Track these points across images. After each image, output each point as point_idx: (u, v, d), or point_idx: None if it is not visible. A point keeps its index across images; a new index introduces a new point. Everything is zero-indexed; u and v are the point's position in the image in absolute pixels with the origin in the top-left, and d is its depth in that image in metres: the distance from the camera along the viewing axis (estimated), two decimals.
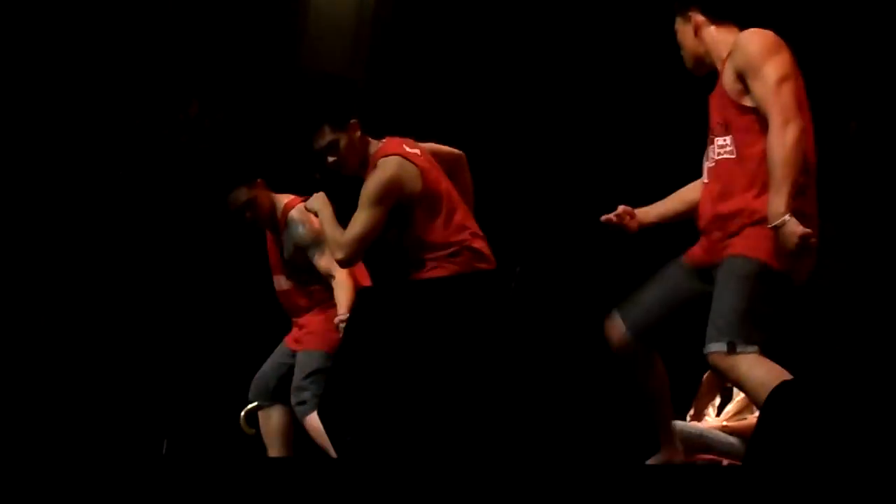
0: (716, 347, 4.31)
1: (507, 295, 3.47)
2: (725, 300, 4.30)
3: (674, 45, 4.70)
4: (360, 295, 5.25)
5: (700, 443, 6.85)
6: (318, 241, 6.16)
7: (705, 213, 4.51)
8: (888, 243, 8.53)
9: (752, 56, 4.34)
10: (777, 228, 4.14)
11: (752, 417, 6.95)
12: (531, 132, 8.99)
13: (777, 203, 4.16)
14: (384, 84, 9.12)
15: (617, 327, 4.51)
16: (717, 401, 7.16)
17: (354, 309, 4.51)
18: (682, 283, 4.55)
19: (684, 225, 4.80)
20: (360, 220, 5.16)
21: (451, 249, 4.89)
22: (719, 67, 4.52)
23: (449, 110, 8.81)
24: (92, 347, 8.55)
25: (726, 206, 4.39)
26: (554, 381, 3.39)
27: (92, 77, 8.72)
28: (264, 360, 6.56)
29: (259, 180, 6.46)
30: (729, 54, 4.45)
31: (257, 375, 6.48)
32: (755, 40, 4.38)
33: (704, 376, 7.29)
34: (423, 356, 3.62)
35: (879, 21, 9.23)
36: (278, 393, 6.34)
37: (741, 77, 4.38)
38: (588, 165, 8.67)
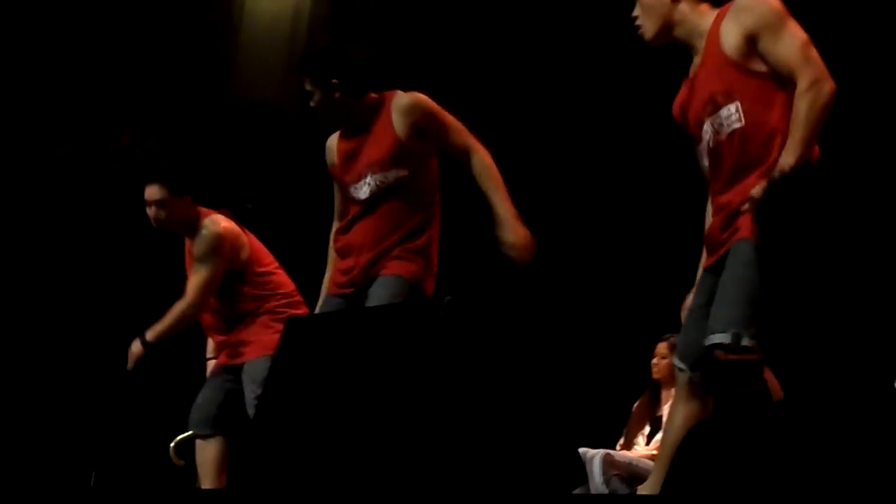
0: (719, 339, 3.96)
1: (435, 325, 3.47)
2: (730, 288, 3.97)
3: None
4: (290, 324, 5.25)
5: (629, 471, 6.88)
6: (204, 259, 6.11)
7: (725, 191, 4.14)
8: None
9: (771, 15, 4.08)
10: None
11: None
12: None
13: (788, 162, 3.88)
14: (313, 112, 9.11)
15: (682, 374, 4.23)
16: (647, 430, 7.20)
17: (284, 338, 4.50)
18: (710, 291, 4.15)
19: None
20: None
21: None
22: (697, 42, 4.24)
23: None
24: (17, 377, 8.46)
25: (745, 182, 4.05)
26: (482, 410, 3.39)
27: (22, 107, 8.65)
28: (193, 387, 6.47)
29: (187, 196, 6.26)
30: (724, 19, 4.16)
31: (196, 405, 6.33)
32: (769, 1, 4.11)
33: (635, 405, 7.34)
34: (350, 386, 3.61)
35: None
36: (219, 422, 6.26)
37: (751, 39, 4.09)
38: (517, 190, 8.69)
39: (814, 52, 4.05)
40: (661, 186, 8.16)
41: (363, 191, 5.14)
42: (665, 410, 7.14)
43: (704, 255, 4.29)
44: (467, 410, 3.48)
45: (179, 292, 6.20)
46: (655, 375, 7.21)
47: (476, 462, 3.44)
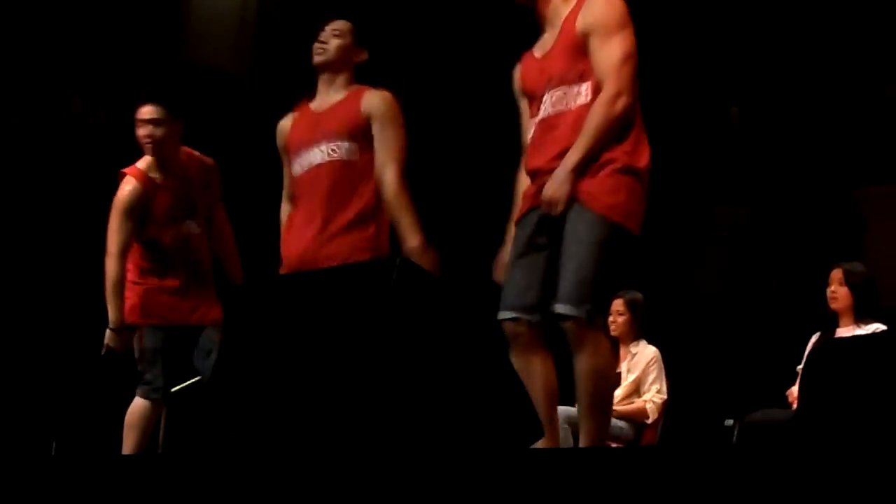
0: (577, 312, 4.18)
1: (387, 286, 3.49)
2: (582, 261, 4.20)
3: None
4: (240, 289, 5.24)
5: None
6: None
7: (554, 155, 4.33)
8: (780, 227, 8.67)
9: (607, 20, 4.29)
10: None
11: (640, 401, 7.05)
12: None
13: (570, 160, 4.19)
14: (268, 79, 9.09)
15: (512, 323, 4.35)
16: None
17: (233, 303, 4.51)
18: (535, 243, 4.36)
19: None
20: None
21: None
22: (557, 15, 4.44)
23: None
24: None
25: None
26: (434, 372, 3.42)
27: None
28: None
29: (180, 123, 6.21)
30: (577, 7, 4.37)
31: (202, 350, 6.18)
32: (612, 4, 4.32)
33: None
34: (304, 350, 3.62)
35: (761, 9, 9.37)
36: None
37: (585, 35, 4.31)
38: (466, 160, 8.71)
39: (628, 68, 4.26)
40: None
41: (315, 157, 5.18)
42: (623, 367, 7.19)
43: (517, 212, 4.46)
44: (422, 370, 3.51)
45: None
46: (613, 332, 7.24)
47: (432, 420, 3.47)
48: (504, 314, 4.37)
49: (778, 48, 9.30)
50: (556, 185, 4.24)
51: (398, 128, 5.10)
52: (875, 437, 1.89)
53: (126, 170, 6.15)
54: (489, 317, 4.35)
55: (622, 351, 7.26)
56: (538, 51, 4.55)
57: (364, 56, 5.32)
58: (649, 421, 7.03)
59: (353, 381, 3.35)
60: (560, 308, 4.22)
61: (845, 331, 6.41)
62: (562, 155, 4.28)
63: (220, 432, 3.79)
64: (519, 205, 4.51)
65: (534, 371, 4.35)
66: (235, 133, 8.86)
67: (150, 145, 6.05)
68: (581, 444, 4.41)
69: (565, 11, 4.43)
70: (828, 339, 6.42)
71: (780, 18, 9.31)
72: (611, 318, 7.20)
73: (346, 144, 5.11)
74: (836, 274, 6.57)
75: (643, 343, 7.16)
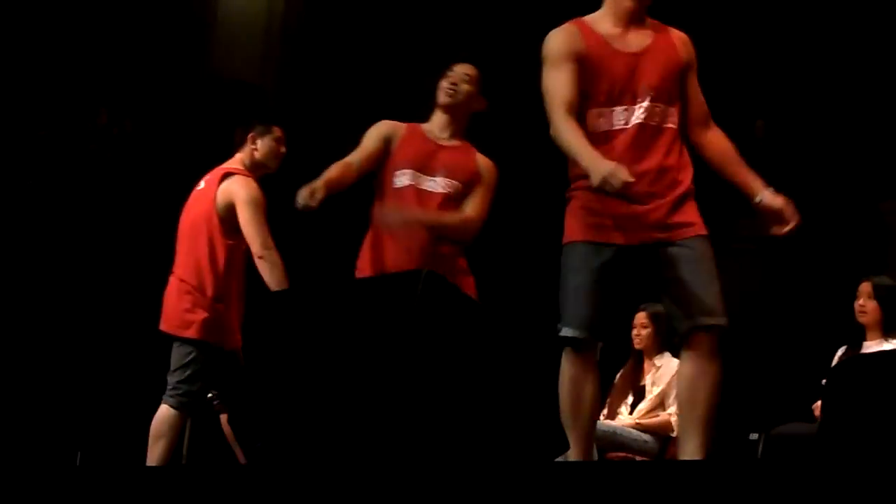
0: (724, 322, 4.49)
1: (414, 299, 3.49)
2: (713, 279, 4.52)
3: None
4: (273, 297, 5.26)
5: (614, 441, 6.91)
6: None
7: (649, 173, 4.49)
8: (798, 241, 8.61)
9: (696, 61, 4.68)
10: None
11: (664, 415, 7.02)
12: None
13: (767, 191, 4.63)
14: (294, 90, 9.11)
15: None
16: (630, 399, 7.23)
17: (267, 310, 4.52)
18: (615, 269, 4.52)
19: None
20: None
21: None
22: (647, 24, 4.60)
23: (356, 116, 8.81)
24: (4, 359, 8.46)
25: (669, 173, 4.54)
26: (462, 382, 3.42)
27: None
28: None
29: None
30: (672, 35, 4.62)
31: None
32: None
33: (618, 375, 7.36)
34: (332, 361, 3.63)
35: (786, 21, 9.35)
36: None
37: (686, 67, 4.61)
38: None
39: None
40: None
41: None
42: (647, 380, 7.18)
43: (607, 243, 4.52)
44: (448, 381, 3.51)
45: (158, 270, 6.20)
46: (637, 345, 7.23)
47: (457, 431, 3.47)
48: (577, 333, 4.48)
49: (803, 60, 9.28)
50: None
51: (491, 196, 5.60)
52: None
53: (231, 169, 6.25)
54: (516, 330, 4.36)
55: (646, 364, 7.24)
56: (619, 44, 4.56)
57: (483, 106, 5.66)
58: (674, 434, 7.01)
59: (376, 391, 3.36)
60: (710, 320, 4.48)
61: (873, 344, 6.39)
62: (659, 180, 4.49)
63: (246, 443, 3.80)
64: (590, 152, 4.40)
65: (588, 388, 4.53)
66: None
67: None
68: (693, 457, 4.48)
69: (658, 28, 4.61)
70: (853, 354, 6.39)
71: (806, 30, 9.29)
72: (634, 332, 7.19)
73: (460, 188, 5.51)
74: (865, 287, 6.55)
75: (667, 356, 7.14)
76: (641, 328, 7.18)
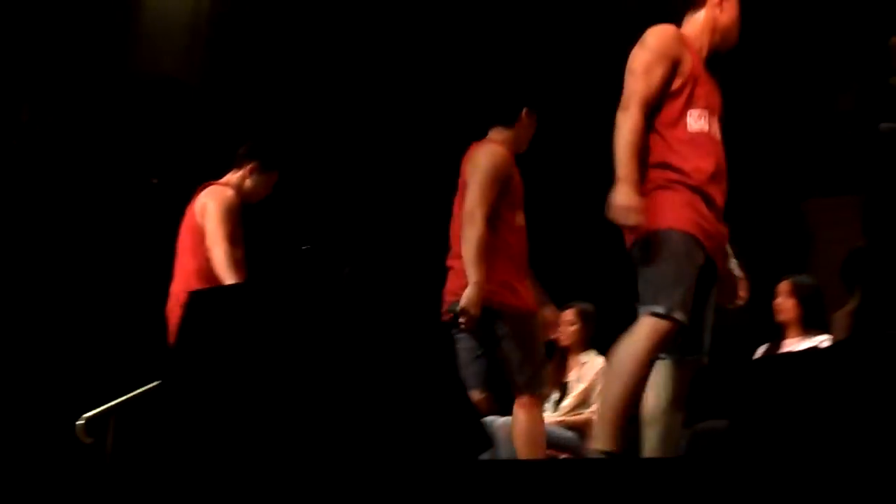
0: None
1: (337, 295, 3.49)
2: None
3: None
4: (193, 298, 5.25)
5: None
6: None
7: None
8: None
9: None
10: None
11: (588, 412, 7.07)
12: (359, 135, 9.01)
13: None
14: (219, 86, 9.07)
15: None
16: (555, 396, 7.26)
17: (187, 312, 4.50)
18: None
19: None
20: None
21: None
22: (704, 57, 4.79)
23: (284, 111, 8.79)
24: None
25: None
26: (384, 377, 3.44)
27: None
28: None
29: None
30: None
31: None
32: None
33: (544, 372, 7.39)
34: (257, 357, 3.63)
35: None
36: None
37: None
38: (415, 169, 8.72)
39: None
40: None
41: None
42: (572, 377, 7.22)
43: (704, 248, 4.56)
44: (369, 377, 3.51)
45: (84, 266, 6.16)
46: (563, 342, 7.27)
47: (379, 429, 3.48)
48: (684, 318, 4.43)
49: (730, 60, 9.36)
50: None
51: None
52: (801, 451, 1.93)
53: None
54: (438, 329, 4.37)
55: (571, 360, 7.28)
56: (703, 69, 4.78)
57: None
58: None
59: (303, 388, 3.36)
60: (705, 360, 4.73)
61: (792, 342, 6.48)
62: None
63: (173, 438, 3.78)
64: None
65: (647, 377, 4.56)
66: (187, 140, 8.84)
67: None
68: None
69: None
70: (773, 352, 6.48)
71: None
72: (560, 328, 7.22)
73: None
74: (784, 286, 6.65)
75: (592, 353, 7.19)
76: (568, 325, 7.22)
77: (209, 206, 6.23)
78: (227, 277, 5.95)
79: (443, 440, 3.65)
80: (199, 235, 6.24)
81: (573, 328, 7.25)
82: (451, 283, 5.54)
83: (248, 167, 6.48)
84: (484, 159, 5.60)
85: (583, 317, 7.27)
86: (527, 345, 5.57)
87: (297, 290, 3.74)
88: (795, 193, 8.80)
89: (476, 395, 5.60)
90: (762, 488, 1.93)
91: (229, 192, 6.30)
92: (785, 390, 1.98)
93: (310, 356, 3.45)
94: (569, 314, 7.24)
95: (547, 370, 7.39)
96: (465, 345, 5.52)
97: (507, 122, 5.78)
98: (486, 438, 3.93)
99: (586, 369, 7.19)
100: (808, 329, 6.49)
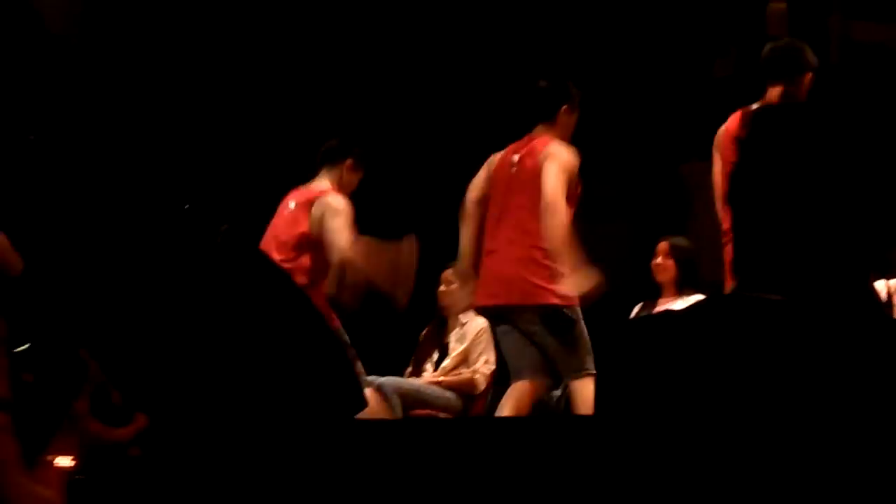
0: None
1: (213, 253, 3.48)
2: None
3: None
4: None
5: (417, 398, 6.97)
6: None
7: None
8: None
9: None
10: None
11: (468, 372, 7.12)
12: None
13: None
14: (99, 42, 8.93)
15: None
16: (435, 356, 7.30)
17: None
18: None
19: None
20: None
21: None
22: None
23: (164, 70, 8.70)
24: None
25: None
26: (264, 338, 3.43)
27: None
28: None
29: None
30: None
31: None
32: None
33: (423, 333, 7.42)
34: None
35: None
36: None
37: None
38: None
39: None
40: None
41: None
42: (451, 338, 7.26)
43: None
44: (249, 339, 3.50)
45: None
46: (442, 302, 7.30)
47: (259, 390, 3.47)
48: None
49: (600, 24, 9.44)
50: None
51: None
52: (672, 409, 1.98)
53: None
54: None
55: (451, 321, 7.31)
56: None
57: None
58: (478, 391, 7.11)
59: (178, 349, 3.35)
60: None
61: (667, 301, 6.62)
62: None
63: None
64: None
65: None
66: (64, 95, 8.71)
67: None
68: None
69: None
70: (649, 310, 6.61)
71: None
72: (441, 289, 7.25)
73: None
74: (663, 247, 6.79)
75: (471, 314, 7.21)
76: (447, 285, 7.24)
77: (337, 222, 6.29)
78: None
79: (318, 400, 3.65)
80: (308, 241, 6.30)
81: (452, 287, 7.25)
82: (500, 267, 5.78)
83: (346, 163, 6.56)
84: (563, 155, 5.84)
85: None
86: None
87: (175, 247, 3.72)
88: (674, 157, 8.93)
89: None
90: (630, 444, 1.97)
91: (344, 202, 6.41)
92: (658, 349, 2.03)
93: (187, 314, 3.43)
94: (447, 275, 7.24)
95: (428, 331, 7.46)
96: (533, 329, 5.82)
97: (549, 118, 6.01)
98: (361, 399, 3.95)
99: (466, 329, 7.23)
100: (684, 289, 6.63)
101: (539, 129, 5.97)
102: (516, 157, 5.90)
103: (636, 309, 6.76)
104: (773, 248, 2.11)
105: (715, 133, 6.08)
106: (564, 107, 5.98)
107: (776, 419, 1.90)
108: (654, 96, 9.06)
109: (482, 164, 6.08)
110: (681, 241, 6.87)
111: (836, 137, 2.10)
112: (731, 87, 8.23)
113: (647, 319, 1.90)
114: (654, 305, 6.66)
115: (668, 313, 2.19)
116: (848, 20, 9.24)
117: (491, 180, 5.97)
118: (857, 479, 1.88)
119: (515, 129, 6.07)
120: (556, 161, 5.79)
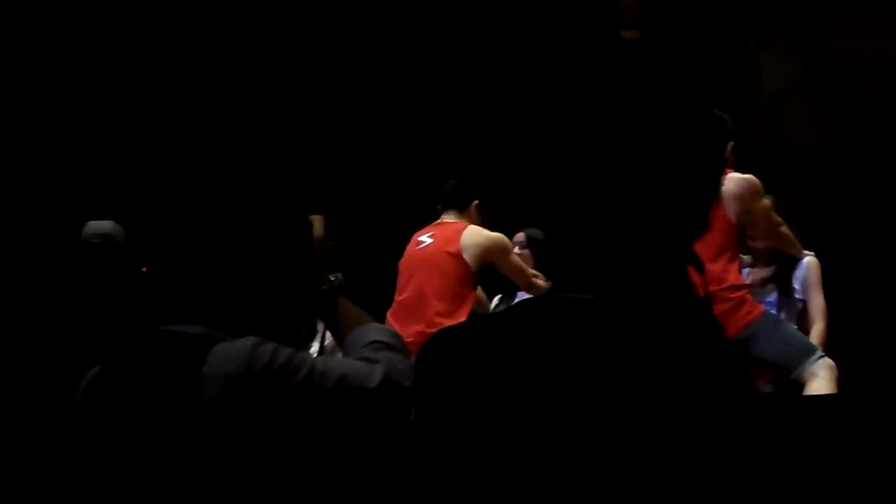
0: None
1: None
2: None
3: None
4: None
5: None
6: None
7: None
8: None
9: None
10: None
11: None
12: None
13: None
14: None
15: None
16: None
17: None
18: None
19: None
20: None
21: None
22: None
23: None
24: None
25: None
26: None
27: None
28: None
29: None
30: None
31: None
32: None
33: None
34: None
35: None
36: None
37: None
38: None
39: None
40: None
41: None
42: None
43: None
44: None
45: None
46: None
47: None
48: None
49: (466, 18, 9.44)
50: None
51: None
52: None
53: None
54: None
55: None
56: None
57: None
58: None
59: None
60: None
61: (524, 292, 6.70)
62: None
63: None
64: None
65: None
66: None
67: None
68: None
69: None
70: (507, 303, 6.69)
71: None
72: None
73: None
74: (519, 237, 6.89)
75: None
76: None
77: (512, 260, 6.53)
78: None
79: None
80: (454, 278, 6.36)
81: None
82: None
83: (475, 204, 6.69)
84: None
85: None
86: None
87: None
88: None
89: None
90: (438, 450, 2.04)
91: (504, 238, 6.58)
92: (469, 354, 2.09)
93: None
94: None
95: None
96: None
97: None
98: None
99: None
100: None
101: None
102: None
103: (495, 301, 6.84)
104: (583, 246, 2.10)
105: None
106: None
107: (579, 418, 1.93)
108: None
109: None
110: (538, 232, 6.98)
111: (637, 126, 2.07)
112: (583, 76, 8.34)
113: (462, 326, 1.93)
114: (513, 297, 6.74)
115: (483, 317, 2.23)
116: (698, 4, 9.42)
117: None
118: (658, 478, 1.89)
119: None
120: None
